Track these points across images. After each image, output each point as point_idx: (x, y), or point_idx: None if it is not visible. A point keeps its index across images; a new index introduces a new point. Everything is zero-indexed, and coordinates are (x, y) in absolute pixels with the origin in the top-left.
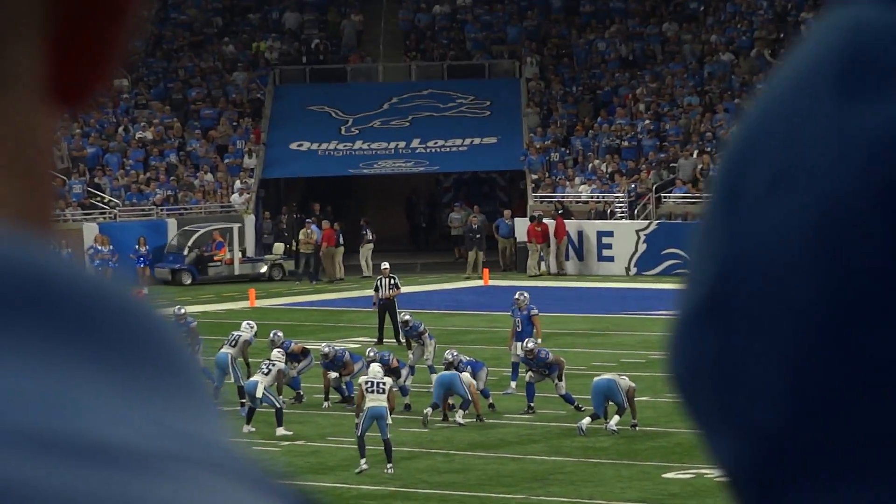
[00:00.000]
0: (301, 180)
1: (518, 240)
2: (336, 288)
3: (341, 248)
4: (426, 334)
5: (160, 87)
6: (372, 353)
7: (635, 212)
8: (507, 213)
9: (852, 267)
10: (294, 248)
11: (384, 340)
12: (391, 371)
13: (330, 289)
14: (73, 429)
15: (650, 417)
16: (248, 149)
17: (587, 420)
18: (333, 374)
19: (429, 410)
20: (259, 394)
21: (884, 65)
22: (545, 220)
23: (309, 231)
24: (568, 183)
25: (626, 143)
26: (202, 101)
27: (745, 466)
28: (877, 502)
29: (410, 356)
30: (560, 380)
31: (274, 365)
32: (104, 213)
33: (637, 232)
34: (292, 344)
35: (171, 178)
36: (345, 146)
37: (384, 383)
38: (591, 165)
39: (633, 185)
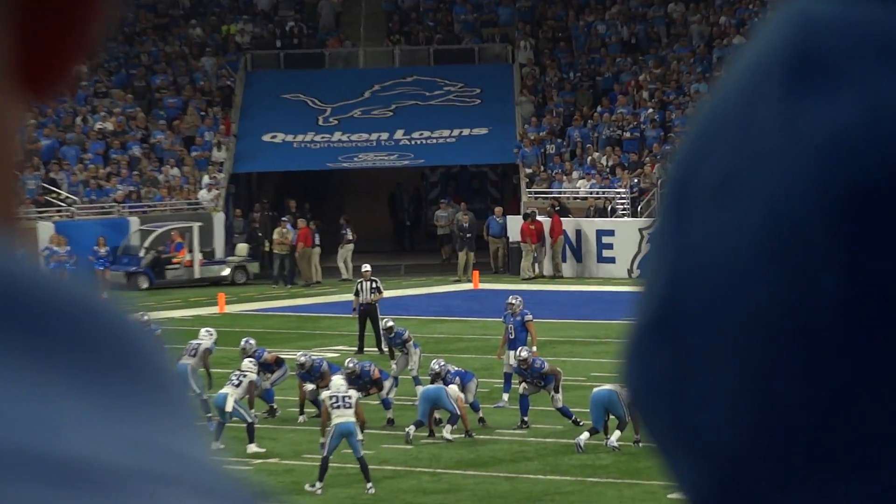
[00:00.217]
0: (275, 175)
1: (511, 239)
2: (313, 292)
3: (318, 249)
4: (411, 342)
5: (121, 73)
6: (352, 363)
7: (638, 209)
8: (498, 210)
9: (801, 273)
10: (267, 248)
11: (365, 349)
12: (373, 382)
13: (306, 293)
14: (47, 446)
15: None
16: (217, 141)
17: (585, 435)
18: (310, 386)
19: (412, 429)
20: (229, 407)
21: (832, 61)
22: (540, 218)
23: (283, 230)
24: (565, 177)
25: (628, 135)
26: (167, 88)
27: (704, 492)
28: None
29: (393, 366)
30: (556, 392)
31: (245, 376)
32: (60, 210)
33: (640, 231)
34: (265, 353)
35: (134, 172)
36: (322, 138)
37: (349, 397)
38: (590, 158)
39: (635, 180)
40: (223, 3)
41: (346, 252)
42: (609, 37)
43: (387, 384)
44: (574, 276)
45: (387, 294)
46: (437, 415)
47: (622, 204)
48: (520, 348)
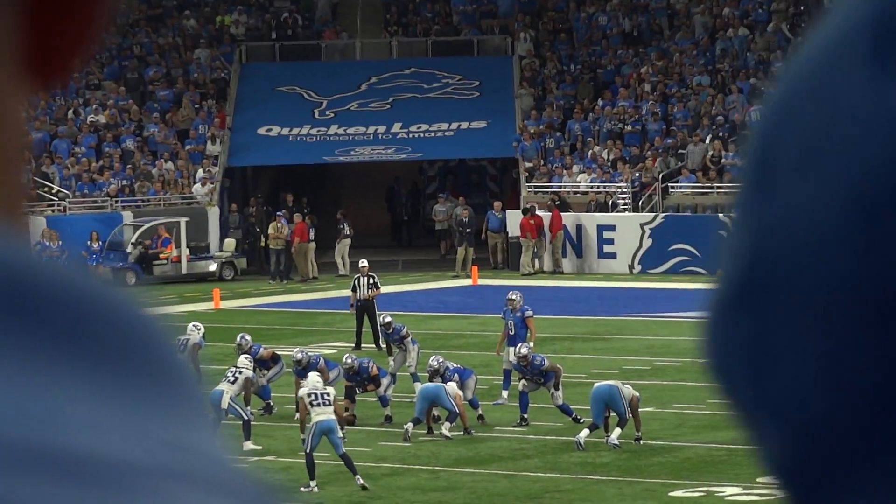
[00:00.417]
0: (270, 169)
1: (510, 234)
2: (309, 288)
3: (314, 244)
4: (409, 339)
5: (114, 65)
6: (349, 360)
7: (639, 203)
8: (497, 204)
9: (884, 247)
10: (263, 243)
11: (363, 345)
12: (371, 379)
13: (302, 289)
14: (58, 441)
15: (655, 430)
16: (211, 134)
17: (585, 432)
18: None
19: (410, 426)
20: (224, 404)
21: None
22: (540, 213)
23: (278, 225)
24: (565, 171)
25: (629, 128)
26: (160, 81)
27: (790, 462)
28: None
29: (391, 363)
30: (556, 389)
31: (241, 372)
32: (52, 205)
33: (641, 226)
34: (261, 349)
35: (127, 166)
36: (318, 131)
37: (328, 394)
38: (590, 152)
39: (637, 174)
40: None
41: (343, 247)
42: (610, 28)
43: (384, 381)
44: (574, 271)
45: (384, 290)
46: (435, 411)
47: (623, 198)
48: (520, 345)
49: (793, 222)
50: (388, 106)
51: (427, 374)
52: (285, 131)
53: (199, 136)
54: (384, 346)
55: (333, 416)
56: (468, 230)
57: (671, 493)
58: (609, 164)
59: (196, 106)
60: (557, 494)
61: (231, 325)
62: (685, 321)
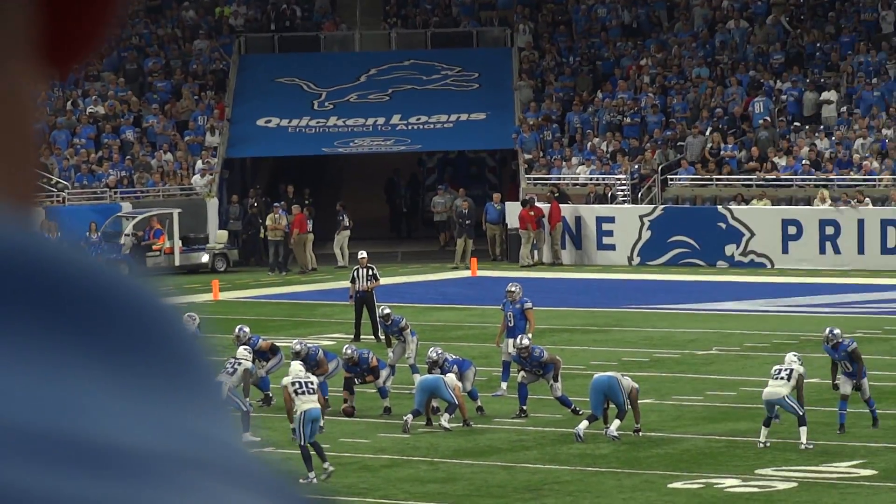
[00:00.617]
0: (269, 160)
1: (509, 226)
2: (308, 279)
3: (312, 235)
4: (408, 330)
5: (113, 56)
6: (349, 351)
7: (639, 195)
8: (496, 196)
9: None
10: (262, 234)
11: (362, 337)
12: (370, 370)
13: (301, 280)
14: (81, 430)
15: (654, 422)
16: (210, 125)
17: (584, 424)
18: None
19: (409, 417)
20: (223, 396)
21: None
22: (539, 205)
23: (276, 216)
24: (564, 163)
25: (628, 120)
26: (159, 72)
27: None
28: None
29: (390, 354)
30: (556, 380)
31: (240, 364)
32: (51, 196)
33: (640, 217)
34: (260, 340)
35: (126, 157)
36: (318, 122)
37: (312, 382)
38: (589, 144)
39: (636, 166)
40: None
41: (342, 239)
42: (610, 20)
43: (383, 373)
44: (573, 263)
45: (383, 281)
46: (434, 403)
47: (622, 190)
48: (520, 336)
49: None
50: (388, 98)
51: (426, 366)
52: (284, 123)
53: (199, 128)
54: (383, 337)
55: (318, 405)
56: (468, 222)
57: (670, 485)
58: (608, 155)
59: (195, 97)
60: (556, 486)
61: (230, 317)
62: (684, 313)
